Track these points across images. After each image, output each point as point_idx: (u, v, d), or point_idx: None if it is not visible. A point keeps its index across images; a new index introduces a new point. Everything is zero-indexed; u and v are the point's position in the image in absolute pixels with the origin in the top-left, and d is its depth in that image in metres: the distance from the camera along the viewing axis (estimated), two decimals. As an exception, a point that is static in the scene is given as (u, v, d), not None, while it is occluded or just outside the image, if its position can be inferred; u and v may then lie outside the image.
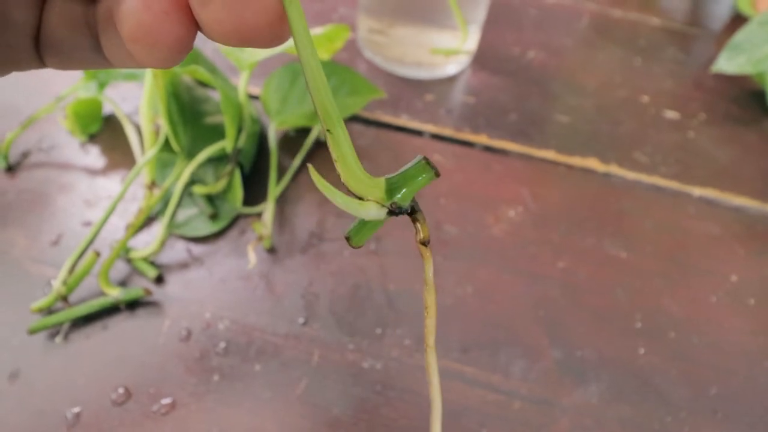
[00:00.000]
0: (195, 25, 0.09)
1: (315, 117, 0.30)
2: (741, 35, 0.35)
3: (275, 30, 0.09)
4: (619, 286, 0.26)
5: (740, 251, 0.28)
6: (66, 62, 0.11)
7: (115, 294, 0.23)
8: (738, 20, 0.43)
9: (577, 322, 0.25)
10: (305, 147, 0.30)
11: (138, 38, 0.09)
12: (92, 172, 0.29)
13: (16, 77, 0.33)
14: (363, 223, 0.11)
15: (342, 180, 0.11)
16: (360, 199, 0.11)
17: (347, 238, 0.12)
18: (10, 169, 0.28)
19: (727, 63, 0.35)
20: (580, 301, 0.26)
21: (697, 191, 0.31)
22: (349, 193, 0.11)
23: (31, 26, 0.10)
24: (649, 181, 0.31)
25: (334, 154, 0.11)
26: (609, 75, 0.38)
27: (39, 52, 0.11)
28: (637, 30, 0.42)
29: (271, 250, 0.26)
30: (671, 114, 0.36)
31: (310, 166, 0.11)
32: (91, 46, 0.10)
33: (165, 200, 0.27)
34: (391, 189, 0.11)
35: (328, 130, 0.10)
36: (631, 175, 0.31)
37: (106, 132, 0.31)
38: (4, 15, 0.10)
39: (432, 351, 0.12)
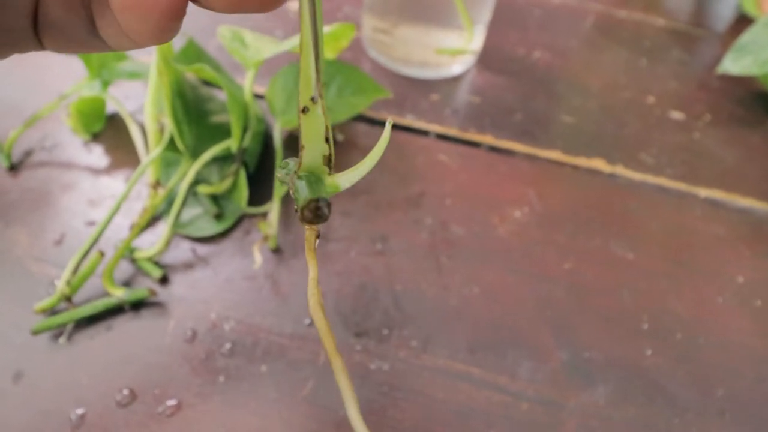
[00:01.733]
0: None
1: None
2: (747, 36, 0.35)
3: None
4: (625, 287, 0.26)
5: (746, 252, 0.28)
6: (63, 44, 0.11)
7: (119, 294, 0.23)
8: (743, 21, 0.43)
9: (583, 323, 0.25)
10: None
11: (129, 5, 0.09)
12: (96, 171, 0.28)
13: (19, 75, 0.33)
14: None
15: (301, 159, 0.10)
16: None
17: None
18: (13, 167, 0.28)
19: (733, 64, 0.35)
20: (586, 302, 0.25)
21: (703, 192, 0.31)
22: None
23: (29, 6, 0.10)
24: (655, 182, 0.31)
25: (303, 139, 0.10)
26: (614, 76, 0.38)
27: (37, 34, 0.11)
28: (642, 31, 0.42)
29: (277, 250, 0.26)
30: (677, 115, 0.36)
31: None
32: (87, 28, 0.10)
33: (169, 200, 0.26)
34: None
35: (304, 108, 0.10)
36: (637, 176, 0.31)
37: (109, 131, 0.30)
38: None
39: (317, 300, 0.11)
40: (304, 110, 0.10)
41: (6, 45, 0.10)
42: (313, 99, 0.10)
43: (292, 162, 0.11)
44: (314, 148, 0.10)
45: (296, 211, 0.10)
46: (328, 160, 0.10)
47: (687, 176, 0.32)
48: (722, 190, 0.31)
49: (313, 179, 0.10)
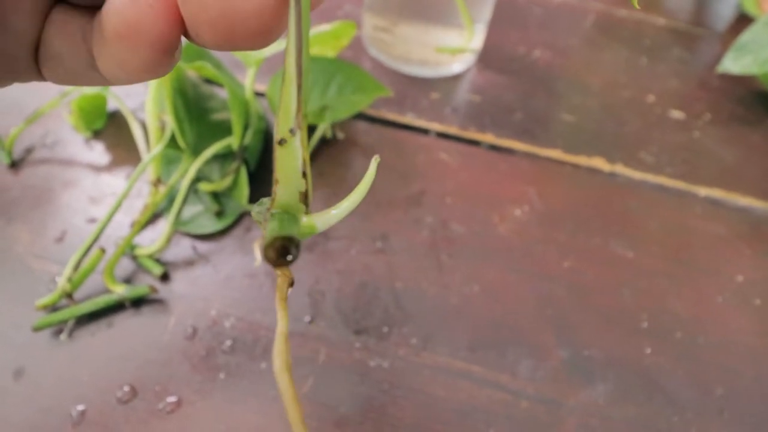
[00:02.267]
0: (180, 23, 0.09)
1: (320, 115, 0.29)
2: (747, 36, 0.35)
3: (264, 28, 0.09)
4: (625, 285, 0.26)
5: (746, 251, 0.28)
6: (62, 76, 0.11)
7: (120, 291, 0.23)
8: (743, 20, 0.43)
9: (583, 322, 0.25)
10: (311, 145, 0.30)
11: (121, 34, 0.09)
12: (97, 169, 0.28)
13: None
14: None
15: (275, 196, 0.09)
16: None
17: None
18: (14, 164, 0.28)
19: (733, 63, 0.35)
20: (586, 300, 0.25)
21: (702, 191, 0.31)
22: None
23: (31, 37, 0.10)
24: (655, 181, 0.31)
25: (277, 173, 0.09)
26: (614, 74, 0.38)
27: (38, 64, 0.11)
28: (643, 30, 0.42)
29: (277, 248, 0.26)
30: (677, 114, 0.36)
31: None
32: (87, 61, 0.10)
33: (170, 197, 0.26)
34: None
35: (281, 140, 0.09)
36: (637, 174, 0.31)
37: (110, 128, 0.30)
38: (4, 22, 0.10)
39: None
40: (281, 142, 0.09)
41: (7, 73, 0.11)
42: (291, 131, 0.09)
43: (267, 200, 0.10)
44: (290, 184, 0.09)
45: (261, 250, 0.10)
46: (304, 197, 0.10)
47: (687, 175, 0.32)
48: (722, 189, 0.31)
49: (287, 218, 0.09)
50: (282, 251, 0.09)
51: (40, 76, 0.11)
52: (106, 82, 0.11)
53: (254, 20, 0.09)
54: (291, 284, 0.10)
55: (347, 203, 0.10)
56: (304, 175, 0.09)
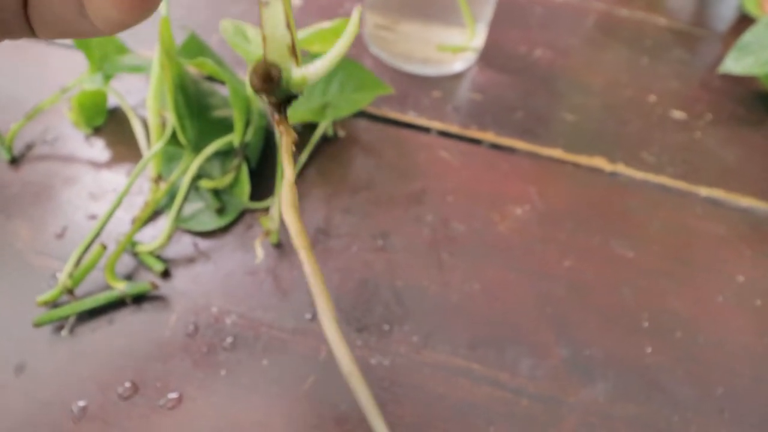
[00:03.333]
0: None
1: (321, 112, 0.29)
2: (749, 36, 0.35)
3: None
4: (625, 285, 0.26)
5: (747, 252, 0.28)
6: (53, 28, 0.11)
7: (121, 288, 0.23)
8: (744, 21, 0.43)
9: (583, 321, 0.25)
10: (312, 142, 0.30)
11: None
12: (97, 165, 0.28)
13: (20, 68, 0.33)
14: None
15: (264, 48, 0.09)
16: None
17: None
18: (14, 161, 0.28)
19: (735, 64, 0.35)
20: (586, 299, 0.25)
21: (703, 191, 0.31)
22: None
23: None
24: (656, 180, 0.31)
25: (263, 30, 0.09)
26: (615, 74, 0.38)
27: (27, 18, 0.11)
28: (644, 30, 0.42)
29: (278, 245, 0.26)
30: (678, 114, 0.36)
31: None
32: (76, 8, 0.10)
33: (171, 194, 0.26)
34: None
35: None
36: (638, 174, 0.31)
37: (111, 125, 0.30)
38: None
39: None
40: (266, 2, 0.09)
41: None
42: None
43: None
44: (276, 38, 0.09)
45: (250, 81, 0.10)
46: (292, 50, 0.10)
47: (688, 175, 0.32)
48: (723, 190, 0.31)
49: (279, 72, 0.10)
50: (266, 76, 0.09)
51: (30, 31, 0.11)
52: (96, 30, 0.11)
53: None
54: (294, 142, 0.10)
55: (335, 50, 0.10)
56: (288, 26, 0.09)
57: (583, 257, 0.27)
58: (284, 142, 0.10)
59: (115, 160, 0.29)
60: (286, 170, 0.10)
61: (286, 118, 0.10)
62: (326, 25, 0.29)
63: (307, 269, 0.10)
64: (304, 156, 0.29)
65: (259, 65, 0.09)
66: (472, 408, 0.22)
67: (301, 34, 0.27)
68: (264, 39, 0.09)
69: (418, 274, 0.25)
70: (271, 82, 0.09)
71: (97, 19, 0.10)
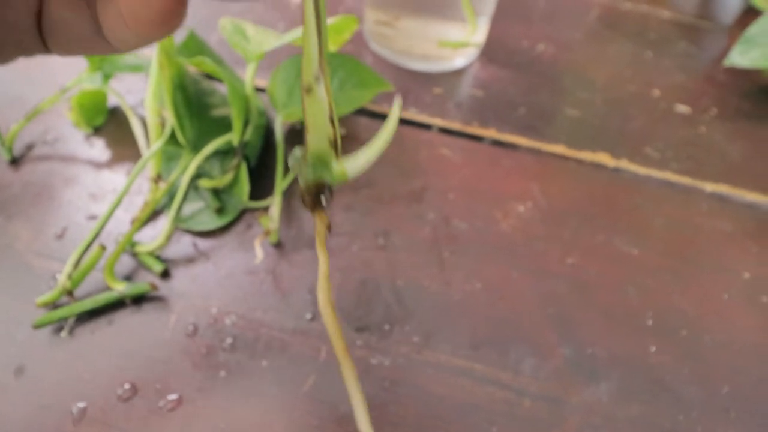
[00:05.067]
0: None
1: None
2: (755, 29, 0.34)
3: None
4: (629, 283, 0.26)
5: (753, 248, 0.28)
6: (67, 45, 0.11)
7: (120, 288, 0.23)
8: (750, 14, 0.43)
9: (587, 320, 0.24)
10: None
11: None
12: (97, 165, 0.28)
13: (20, 68, 0.33)
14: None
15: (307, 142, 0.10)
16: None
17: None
18: (15, 161, 0.28)
19: (741, 57, 0.34)
20: (590, 298, 0.25)
21: (709, 187, 0.31)
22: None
23: (34, 5, 0.10)
24: (661, 176, 0.31)
25: (306, 121, 0.09)
26: (619, 69, 0.37)
27: (42, 34, 0.10)
28: (648, 23, 0.42)
29: (278, 245, 0.26)
30: (682, 108, 0.35)
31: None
32: (91, 27, 0.10)
33: (171, 194, 0.26)
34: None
35: (307, 88, 0.09)
36: (642, 170, 0.31)
37: (110, 124, 0.30)
38: None
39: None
40: (308, 90, 0.09)
41: (10, 45, 0.10)
42: (316, 78, 0.09)
43: (301, 148, 0.11)
44: (319, 131, 0.10)
45: (300, 197, 0.10)
46: (334, 144, 0.10)
47: (693, 171, 0.31)
48: (728, 185, 0.31)
49: (320, 164, 0.10)
50: (317, 196, 0.10)
51: (45, 48, 0.11)
52: (112, 49, 0.10)
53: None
54: (329, 228, 0.10)
55: (376, 146, 0.10)
56: (332, 121, 0.10)
57: (586, 255, 0.27)
58: (318, 230, 0.10)
59: (115, 160, 0.29)
60: (322, 262, 0.10)
61: (323, 207, 0.10)
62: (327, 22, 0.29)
63: (346, 375, 0.10)
64: (303, 154, 0.29)
65: (311, 187, 0.10)
66: (473, 408, 0.21)
67: (301, 31, 0.27)
68: (306, 128, 0.10)
69: (419, 273, 0.25)
70: (321, 203, 0.10)
71: (113, 39, 0.10)
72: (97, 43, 0.10)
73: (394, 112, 0.10)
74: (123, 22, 0.09)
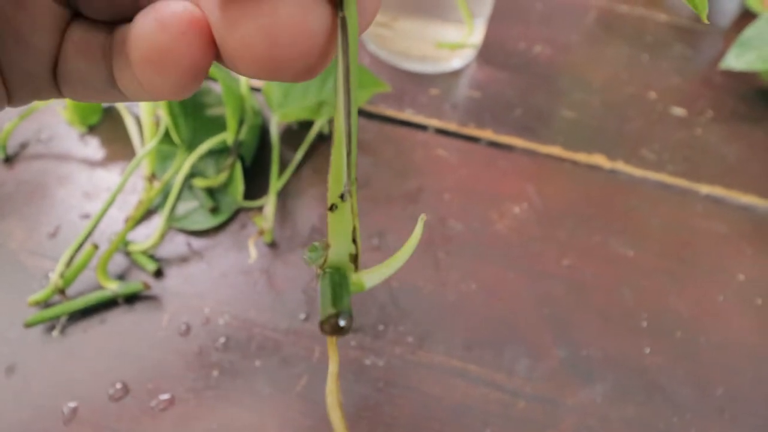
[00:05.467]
0: (213, 50, 0.09)
1: (317, 110, 0.29)
2: (750, 31, 0.34)
3: (309, 62, 0.09)
4: (625, 284, 0.26)
5: (748, 250, 0.28)
6: (81, 93, 0.11)
7: (113, 287, 0.22)
8: (746, 16, 0.43)
9: (582, 321, 0.24)
10: (307, 140, 0.29)
11: (150, 60, 0.09)
12: (91, 164, 0.28)
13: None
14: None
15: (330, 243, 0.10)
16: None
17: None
18: (9, 159, 0.28)
19: (736, 60, 0.34)
20: (585, 299, 0.25)
21: (704, 189, 0.31)
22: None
23: (50, 54, 0.10)
24: (656, 178, 0.31)
25: (329, 236, 0.10)
26: (616, 71, 0.37)
27: (56, 82, 0.11)
28: (644, 26, 0.42)
29: (272, 245, 0.26)
30: (678, 111, 0.35)
31: None
32: (106, 78, 0.10)
33: (165, 193, 0.26)
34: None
35: (332, 205, 0.09)
36: (637, 172, 0.31)
37: (105, 123, 0.30)
38: (24, 40, 0.10)
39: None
40: (332, 208, 0.09)
41: (26, 90, 0.10)
42: (342, 196, 0.09)
43: (320, 248, 0.11)
44: (341, 247, 0.10)
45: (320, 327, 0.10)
46: (354, 259, 0.10)
47: (688, 173, 0.31)
48: (724, 187, 0.31)
49: (338, 278, 0.10)
50: (336, 326, 0.10)
51: (59, 93, 0.11)
52: (125, 99, 0.11)
53: (300, 62, 0.08)
54: (342, 335, 0.10)
55: (395, 262, 0.10)
56: (354, 241, 0.10)
57: (582, 256, 0.27)
58: (331, 369, 0.10)
59: (110, 159, 0.28)
60: (332, 363, 0.10)
61: (343, 332, 0.10)
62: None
63: None
64: (299, 154, 0.29)
65: (331, 318, 0.10)
66: (468, 409, 0.21)
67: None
68: (327, 244, 0.10)
69: (414, 274, 0.25)
70: (341, 331, 0.10)
71: (127, 93, 0.10)
72: (110, 92, 0.11)
73: (417, 230, 0.10)
74: (138, 84, 0.10)
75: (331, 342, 0.10)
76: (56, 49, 0.10)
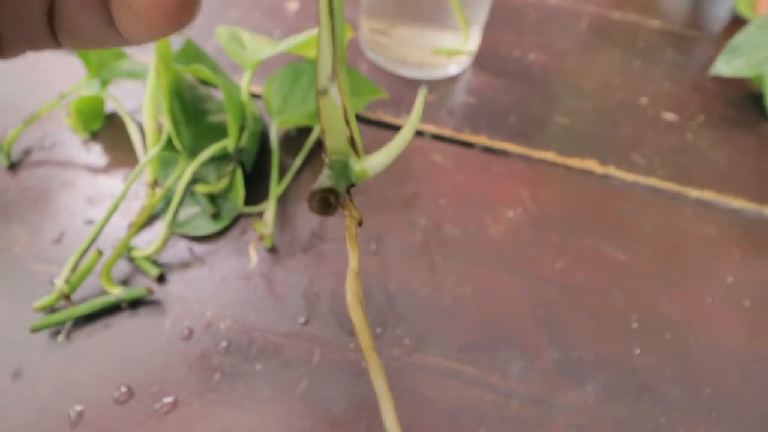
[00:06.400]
0: None
1: (316, 117, 0.30)
2: (739, 38, 0.35)
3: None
4: (616, 287, 0.27)
5: (736, 253, 0.29)
6: (79, 40, 0.11)
7: (117, 293, 0.23)
8: (738, 22, 0.44)
9: (574, 323, 0.25)
10: (306, 146, 0.30)
11: None
12: (94, 170, 0.29)
13: (19, 74, 0.33)
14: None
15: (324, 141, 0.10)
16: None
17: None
18: (13, 166, 0.28)
19: (726, 66, 0.35)
20: (578, 302, 0.26)
21: (694, 193, 0.31)
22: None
23: (46, 1, 0.10)
24: (647, 183, 0.32)
25: (323, 123, 0.09)
26: (608, 77, 0.38)
27: (53, 30, 0.10)
28: (637, 32, 0.42)
29: (273, 250, 0.26)
30: (670, 116, 0.36)
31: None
32: (104, 20, 0.10)
33: (167, 199, 0.27)
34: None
35: (322, 90, 0.09)
36: (629, 177, 0.32)
37: (108, 130, 0.31)
38: None
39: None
40: (322, 92, 0.09)
41: (22, 40, 0.10)
42: (330, 78, 0.09)
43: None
44: (335, 131, 0.10)
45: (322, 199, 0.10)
46: (352, 142, 0.10)
47: (679, 177, 0.32)
48: (714, 191, 0.32)
49: (340, 166, 0.10)
50: (323, 202, 0.09)
51: (55, 42, 0.11)
52: (125, 41, 0.10)
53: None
54: (360, 224, 0.10)
55: (396, 144, 0.10)
56: (347, 121, 0.10)
57: (574, 260, 0.27)
58: (349, 224, 0.10)
59: (112, 165, 0.29)
60: (351, 258, 0.10)
61: (351, 201, 0.10)
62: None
63: (372, 367, 0.10)
64: (298, 160, 0.29)
65: (315, 193, 0.09)
66: (463, 410, 0.22)
67: (298, 38, 0.27)
68: (323, 131, 0.10)
69: (410, 278, 0.26)
70: (329, 208, 0.10)
71: (126, 32, 0.10)
72: (110, 36, 0.10)
73: (418, 105, 0.10)
74: (138, 16, 0.09)
75: (351, 236, 0.10)
76: None
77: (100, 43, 0.11)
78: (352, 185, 0.10)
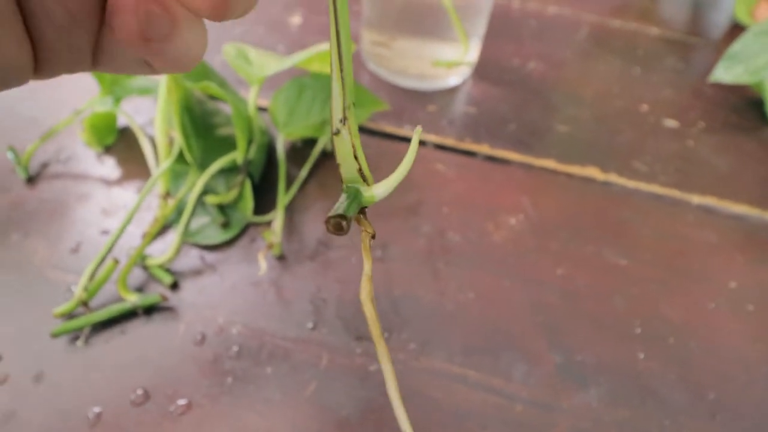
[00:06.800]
0: None
1: (321, 128, 0.31)
2: (738, 45, 0.35)
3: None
4: (618, 293, 0.27)
5: (739, 259, 0.29)
6: (117, 67, 0.11)
7: (133, 300, 0.24)
8: (737, 29, 0.44)
9: (576, 328, 0.25)
10: (312, 157, 0.31)
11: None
12: (108, 183, 0.30)
13: (36, 93, 0.34)
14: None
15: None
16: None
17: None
18: (31, 179, 0.30)
19: (725, 73, 0.35)
20: (579, 307, 0.26)
21: (696, 199, 0.32)
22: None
23: (94, 31, 0.11)
24: (649, 189, 0.32)
25: (337, 158, 0.12)
26: (608, 85, 0.39)
27: (94, 56, 0.11)
28: (636, 40, 0.43)
29: (281, 258, 0.27)
30: (670, 123, 0.36)
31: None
32: (143, 60, 0.11)
33: (179, 210, 0.28)
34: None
35: (335, 131, 0.11)
36: (630, 183, 0.32)
37: (121, 144, 0.32)
38: (74, 16, 0.10)
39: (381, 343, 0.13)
40: (335, 133, 0.11)
41: (64, 63, 0.11)
42: (341, 121, 0.11)
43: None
44: (347, 164, 0.12)
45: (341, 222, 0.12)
46: (361, 173, 0.12)
47: (680, 183, 0.32)
48: (715, 197, 0.32)
49: (353, 192, 0.12)
50: (337, 225, 0.12)
51: (93, 67, 0.11)
52: (154, 72, 0.12)
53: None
54: (372, 237, 0.13)
55: (397, 174, 0.12)
56: (356, 157, 0.12)
57: (576, 266, 0.28)
58: (364, 237, 0.13)
59: (126, 178, 0.30)
60: (366, 264, 0.12)
61: (366, 218, 0.13)
62: (325, 45, 0.30)
63: (381, 356, 0.12)
64: (304, 171, 0.30)
65: (332, 219, 0.12)
66: (467, 414, 0.22)
67: (302, 54, 0.28)
68: (338, 163, 0.12)
69: (415, 284, 0.26)
70: (342, 230, 0.12)
71: (159, 69, 0.11)
72: (143, 69, 0.11)
73: (414, 144, 0.12)
74: (171, 65, 0.11)
75: (366, 247, 0.12)
76: (98, 26, 0.10)
77: (131, 72, 0.12)
78: (365, 207, 0.12)
